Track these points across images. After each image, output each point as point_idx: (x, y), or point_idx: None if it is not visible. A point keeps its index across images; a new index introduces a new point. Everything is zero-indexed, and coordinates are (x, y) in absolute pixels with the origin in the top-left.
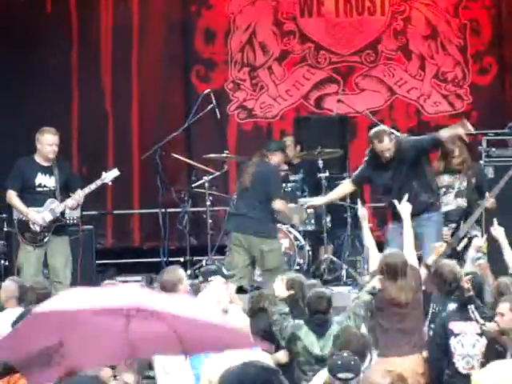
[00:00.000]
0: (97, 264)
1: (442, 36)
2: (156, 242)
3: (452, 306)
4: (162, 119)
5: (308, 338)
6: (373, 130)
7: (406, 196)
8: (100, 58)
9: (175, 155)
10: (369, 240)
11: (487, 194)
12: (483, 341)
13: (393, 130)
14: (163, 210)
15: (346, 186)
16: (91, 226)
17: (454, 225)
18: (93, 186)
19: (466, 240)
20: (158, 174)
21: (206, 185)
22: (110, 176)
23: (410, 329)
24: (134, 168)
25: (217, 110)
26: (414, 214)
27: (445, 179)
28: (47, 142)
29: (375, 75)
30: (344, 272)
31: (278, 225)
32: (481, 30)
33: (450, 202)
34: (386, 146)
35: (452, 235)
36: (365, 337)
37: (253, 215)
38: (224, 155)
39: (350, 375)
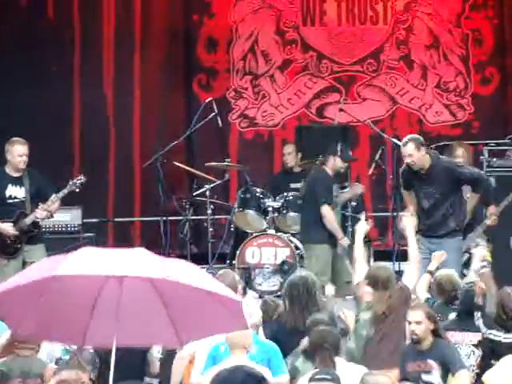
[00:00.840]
0: None
1: (444, 46)
2: (157, 250)
3: (453, 316)
4: (163, 127)
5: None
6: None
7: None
8: (102, 66)
9: (176, 163)
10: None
11: (490, 208)
12: (478, 352)
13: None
14: (164, 218)
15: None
16: (92, 234)
17: None
18: (60, 195)
19: (467, 255)
20: (159, 181)
21: (207, 193)
22: (76, 183)
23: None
24: (135, 176)
25: (218, 118)
26: (438, 236)
27: None
28: (17, 152)
29: (377, 84)
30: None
31: (279, 233)
32: (483, 40)
33: None
34: (407, 152)
35: None
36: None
37: (304, 224)
38: (225, 164)
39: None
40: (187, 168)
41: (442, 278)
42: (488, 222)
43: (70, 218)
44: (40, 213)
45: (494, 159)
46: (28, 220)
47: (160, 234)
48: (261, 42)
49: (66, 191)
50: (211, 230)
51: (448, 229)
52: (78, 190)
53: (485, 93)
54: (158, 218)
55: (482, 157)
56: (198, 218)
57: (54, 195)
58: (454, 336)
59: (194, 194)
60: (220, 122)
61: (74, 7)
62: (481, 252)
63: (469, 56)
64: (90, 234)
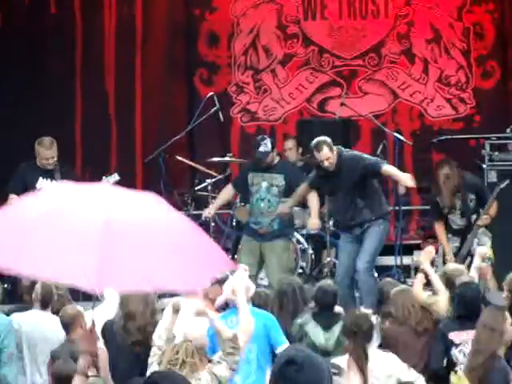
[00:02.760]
0: None
1: (446, 40)
2: None
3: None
4: (165, 122)
5: (314, 331)
6: (314, 141)
7: None
8: (103, 61)
9: (179, 158)
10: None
11: (481, 210)
12: None
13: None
14: None
15: (303, 190)
16: None
17: (457, 244)
18: None
19: (469, 258)
20: (161, 177)
21: (209, 188)
22: (110, 181)
23: None
24: (137, 171)
25: (220, 113)
26: (356, 226)
27: (445, 199)
28: (43, 156)
29: (378, 79)
30: None
31: None
32: (484, 34)
33: (456, 222)
34: (325, 156)
35: (455, 255)
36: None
37: None
38: (227, 158)
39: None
40: (189, 162)
41: (452, 272)
42: (480, 222)
43: None
44: None
45: (496, 153)
46: None
47: None
48: (262, 37)
49: None
50: (213, 224)
51: (363, 220)
52: None
53: (486, 86)
54: None
55: (483, 150)
56: (200, 212)
57: None
58: (458, 336)
59: (196, 188)
60: (221, 117)
61: (76, 3)
62: (482, 250)
63: (470, 50)
64: None
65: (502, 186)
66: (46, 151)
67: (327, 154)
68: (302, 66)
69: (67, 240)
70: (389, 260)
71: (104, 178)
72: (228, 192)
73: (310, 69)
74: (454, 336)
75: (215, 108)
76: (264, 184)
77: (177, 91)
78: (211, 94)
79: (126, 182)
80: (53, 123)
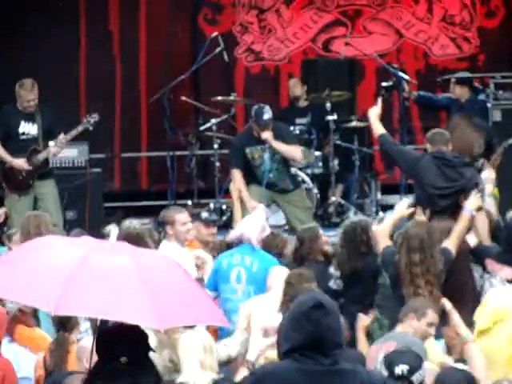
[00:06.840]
0: (104, 207)
1: None
2: (164, 185)
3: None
4: (169, 62)
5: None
6: None
7: None
8: (108, 1)
9: (184, 98)
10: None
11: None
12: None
13: None
14: (171, 153)
15: None
16: (99, 169)
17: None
18: (74, 133)
19: None
20: (165, 117)
21: (214, 128)
22: (90, 121)
23: None
24: (141, 111)
25: (224, 53)
26: None
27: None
28: (25, 98)
29: (383, 18)
30: (352, 214)
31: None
32: None
33: None
34: None
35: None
36: None
37: None
38: (231, 98)
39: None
40: (194, 102)
41: None
42: (484, 173)
43: (76, 153)
44: (54, 149)
45: (500, 92)
46: (41, 156)
47: (167, 169)
48: None
49: (80, 128)
50: (218, 164)
51: None
52: (91, 127)
53: (490, 26)
54: (165, 153)
55: (487, 89)
56: (205, 152)
57: (70, 133)
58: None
59: (201, 128)
60: (226, 57)
61: None
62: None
63: None
64: (96, 170)
65: (510, 142)
66: (29, 92)
67: None
68: (306, 5)
69: (41, 269)
70: (394, 199)
71: (84, 119)
72: (241, 176)
73: (315, 8)
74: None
75: (220, 48)
76: (266, 155)
77: (181, 31)
78: (216, 33)
79: (131, 122)
80: (57, 62)
